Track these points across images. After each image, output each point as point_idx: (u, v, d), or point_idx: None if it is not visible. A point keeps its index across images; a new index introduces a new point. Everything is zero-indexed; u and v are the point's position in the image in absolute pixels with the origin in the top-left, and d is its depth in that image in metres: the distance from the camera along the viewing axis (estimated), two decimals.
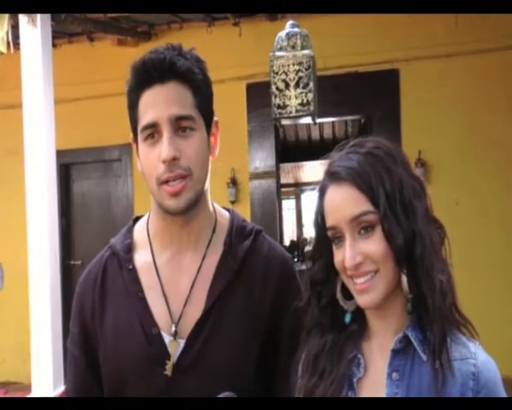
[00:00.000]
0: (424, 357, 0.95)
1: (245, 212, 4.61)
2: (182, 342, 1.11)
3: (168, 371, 1.09)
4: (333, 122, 7.07)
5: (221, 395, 1.01)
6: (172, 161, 1.07)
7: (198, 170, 1.10)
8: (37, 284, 3.37)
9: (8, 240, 4.12)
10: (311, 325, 1.05)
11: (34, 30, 3.46)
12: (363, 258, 0.96)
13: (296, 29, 2.74)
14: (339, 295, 1.03)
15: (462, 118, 4.32)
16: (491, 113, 4.29)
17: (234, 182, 4.65)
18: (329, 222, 0.99)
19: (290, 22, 2.79)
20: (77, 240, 4.93)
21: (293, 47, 2.68)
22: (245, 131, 4.62)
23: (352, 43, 4.46)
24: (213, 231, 1.18)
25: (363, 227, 0.96)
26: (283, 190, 9.12)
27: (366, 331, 1.03)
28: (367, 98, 4.36)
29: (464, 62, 4.29)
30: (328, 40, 4.36)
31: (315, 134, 7.74)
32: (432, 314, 0.94)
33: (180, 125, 1.08)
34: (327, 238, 1.01)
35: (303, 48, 2.68)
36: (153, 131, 1.08)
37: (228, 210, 1.25)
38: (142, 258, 1.19)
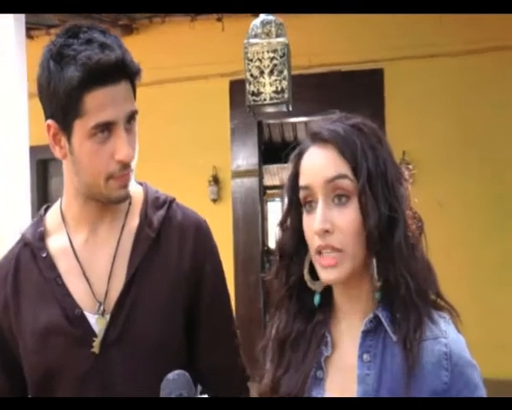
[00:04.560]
0: (394, 338, 0.91)
1: (227, 210, 4.53)
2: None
3: (96, 348, 1.10)
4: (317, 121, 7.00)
5: (172, 374, 0.94)
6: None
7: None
8: None
9: None
10: (278, 303, 1.02)
11: (6, 19, 3.34)
12: (332, 227, 0.91)
13: (271, 17, 2.71)
14: (306, 276, 0.98)
15: (448, 118, 4.28)
16: (477, 113, 4.27)
17: (215, 180, 4.57)
18: (303, 181, 0.95)
19: None
20: None
21: (268, 35, 2.65)
22: (227, 129, 4.54)
23: (336, 42, 4.41)
24: (129, 204, 1.22)
25: (337, 195, 0.92)
26: (269, 192, 9.03)
27: (335, 314, 0.99)
28: (351, 97, 4.31)
29: (449, 62, 4.26)
30: (313, 38, 4.31)
31: (301, 134, 7.69)
32: (406, 302, 0.90)
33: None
34: (298, 204, 0.96)
35: (278, 36, 2.65)
36: (105, 128, 1.11)
37: (141, 184, 1.28)
38: (57, 244, 1.20)
